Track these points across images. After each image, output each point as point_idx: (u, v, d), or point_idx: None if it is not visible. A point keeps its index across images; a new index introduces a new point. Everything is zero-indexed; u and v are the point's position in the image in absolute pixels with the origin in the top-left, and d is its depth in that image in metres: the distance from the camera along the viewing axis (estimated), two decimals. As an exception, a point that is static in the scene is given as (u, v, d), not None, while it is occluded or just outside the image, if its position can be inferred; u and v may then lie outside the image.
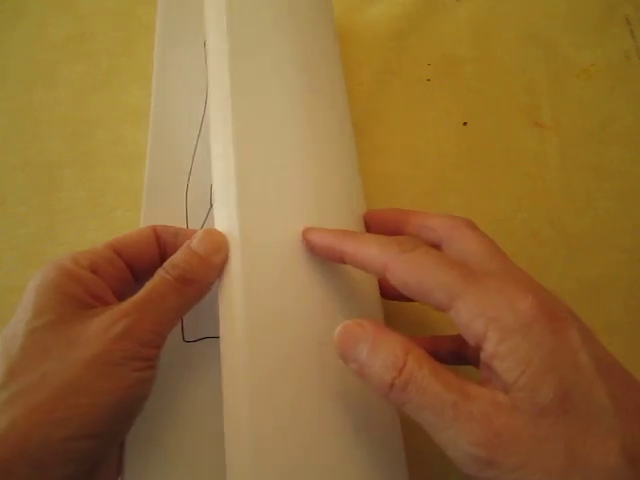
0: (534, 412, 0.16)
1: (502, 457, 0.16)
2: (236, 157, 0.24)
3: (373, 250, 0.21)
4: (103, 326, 0.20)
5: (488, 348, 0.17)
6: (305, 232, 0.24)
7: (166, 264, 0.23)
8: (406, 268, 0.20)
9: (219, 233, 0.23)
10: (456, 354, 0.25)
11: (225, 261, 0.23)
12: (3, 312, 0.23)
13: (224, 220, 0.23)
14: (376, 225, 0.27)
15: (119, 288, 0.24)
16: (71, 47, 0.39)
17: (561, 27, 0.38)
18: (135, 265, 0.24)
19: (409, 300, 0.24)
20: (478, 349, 0.18)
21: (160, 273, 0.22)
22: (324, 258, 0.24)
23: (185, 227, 0.28)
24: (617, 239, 0.32)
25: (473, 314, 0.18)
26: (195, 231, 0.24)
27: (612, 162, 0.34)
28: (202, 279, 0.22)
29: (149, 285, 0.22)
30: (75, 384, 0.19)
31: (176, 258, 0.23)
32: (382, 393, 0.18)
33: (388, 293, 0.26)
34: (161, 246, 0.25)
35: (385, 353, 0.18)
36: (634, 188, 0.34)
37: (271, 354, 0.21)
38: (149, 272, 0.23)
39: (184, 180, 0.30)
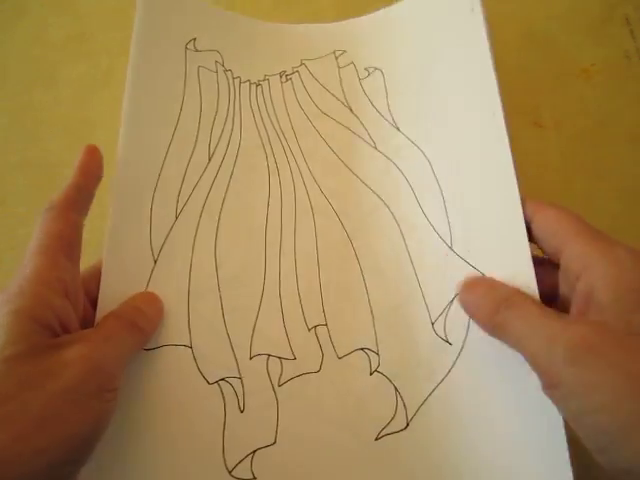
0: (630, 331, 0.19)
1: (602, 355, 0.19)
2: None
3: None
4: (78, 358, 0.21)
5: (596, 271, 0.21)
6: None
7: (118, 311, 0.25)
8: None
9: (159, 299, 0.27)
10: None
11: (161, 319, 0.27)
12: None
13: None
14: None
15: (78, 304, 0.24)
16: (71, 47, 0.39)
17: (561, 27, 0.38)
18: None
19: None
20: (576, 278, 0.22)
21: (114, 316, 0.25)
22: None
23: (148, 239, 0.28)
24: (617, 239, 0.32)
25: (591, 248, 0.22)
26: None
27: (612, 162, 0.34)
28: (147, 330, 0.25)
29: (108, 323, 0.24)
30: (55, 414, 0.20)
31: (128, 309, 0.25)
32: (489, 311, 0.23)
33: None
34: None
35: (497, 292, 0.24)
36: (634, 188, 0.34)
37: None
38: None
39: (150, 191, 0.29)
